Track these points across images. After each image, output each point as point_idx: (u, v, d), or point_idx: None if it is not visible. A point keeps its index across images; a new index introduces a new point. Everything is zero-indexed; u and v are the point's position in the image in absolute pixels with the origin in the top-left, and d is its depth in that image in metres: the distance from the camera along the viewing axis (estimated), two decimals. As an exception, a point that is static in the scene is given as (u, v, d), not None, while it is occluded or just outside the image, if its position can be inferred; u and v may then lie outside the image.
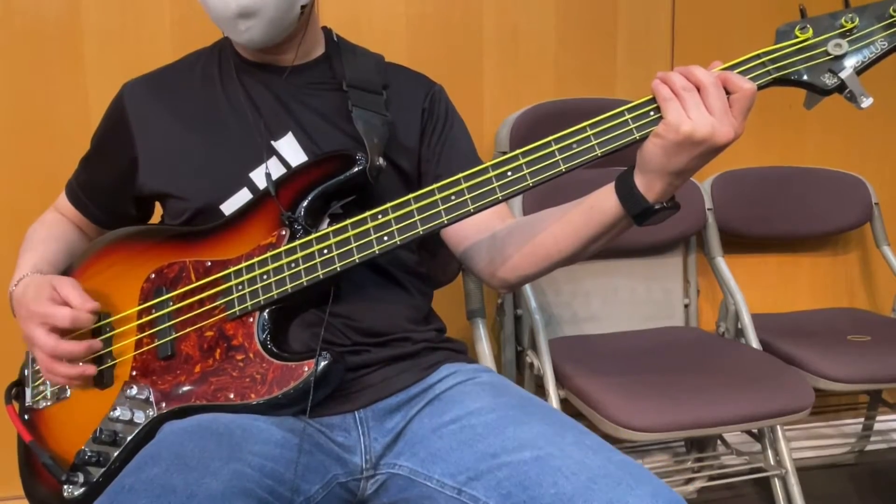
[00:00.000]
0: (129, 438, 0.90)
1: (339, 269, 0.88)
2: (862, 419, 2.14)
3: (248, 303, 0.90)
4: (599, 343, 1.76)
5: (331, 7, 1.73)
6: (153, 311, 0.94)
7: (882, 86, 1.91)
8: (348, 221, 0.89)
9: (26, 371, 1.03)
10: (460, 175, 0.85)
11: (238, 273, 0.92)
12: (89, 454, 0.90)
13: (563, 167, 0.83)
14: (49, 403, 0.98)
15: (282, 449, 0.83)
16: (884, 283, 2.15)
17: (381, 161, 0.96)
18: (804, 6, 0.84)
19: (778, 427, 1.65)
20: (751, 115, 0.80)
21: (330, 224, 0.91)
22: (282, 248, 0.91)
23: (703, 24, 1.96)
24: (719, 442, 1.97)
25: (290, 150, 1.01)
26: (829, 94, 0.83)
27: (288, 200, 0.93)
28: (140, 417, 0.90)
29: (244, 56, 1.06)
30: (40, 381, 1.00)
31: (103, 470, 0.90)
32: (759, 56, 0.82)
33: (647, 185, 0.82)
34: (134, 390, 0.91)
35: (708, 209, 1.90)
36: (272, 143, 1.01)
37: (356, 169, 0.93)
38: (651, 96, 0.81)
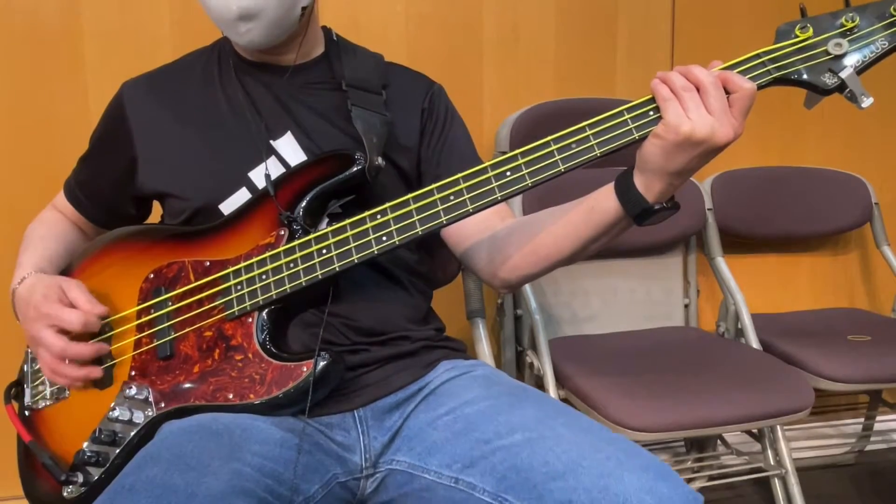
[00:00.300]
0: (128, 438, 0.90)
1: (337, 269, 0.87)
2: (862, 419, 2.14)
3: (247, 303, 0.90)
4: (599, 343, 1.76)
5: (330, 7, 1.73)
6: (152, 311, 0.94)
7: (882, 86, 1.90)
8: (347, 221, 0.88)
9: (25, 367, 1.03)
10: (459, 175, 0.85)
11: (237, 273, 0.92)
12: (89, 454, 0.90)
13: (562, 167, 0.82)
14: (48, 403, 0.98)
15: (281, 448, 0.83)
16: (884, 283, 2.15)
17: (380, 161, 0.96)
18: (804, 5, 0.84)
19: (778, 427, 1.65)
20: (750, 115, 0.79)
21: (329, 224, 0.91)
22: (280, 248, 0.90)
23: (703, 24, 1.96)
24: (719, 442, 1.97)
25: (290, 149, 1.01)
26: (829, 93, 0.82)
27: (287, 200, 0.93)
28: (139, 417, 0.90)
29: (243, 56, 1.06)
30: (39, 380, 0.99)
31: (103, 470, 0.90)
32: (759, 55, 0.82)
33: (647, 186, 0.82)
34: (133, 390, 0.91)
35: (708, 209, 1.90)
36: (271, 142, 1.01)
37: (355, 168, 0.92)
38: (650, 96, 0.81)
